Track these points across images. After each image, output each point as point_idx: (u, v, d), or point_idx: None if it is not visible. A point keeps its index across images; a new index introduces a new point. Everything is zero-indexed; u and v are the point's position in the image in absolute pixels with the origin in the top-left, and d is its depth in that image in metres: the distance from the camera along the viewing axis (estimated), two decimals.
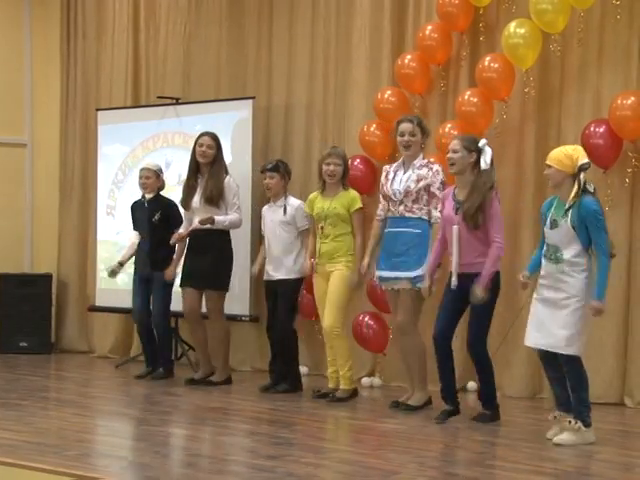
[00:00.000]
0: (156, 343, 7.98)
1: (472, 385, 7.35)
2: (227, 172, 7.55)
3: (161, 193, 8.01)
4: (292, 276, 7.20)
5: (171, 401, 6.91)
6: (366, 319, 7.54)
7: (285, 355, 7.27)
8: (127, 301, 8.48)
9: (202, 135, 7.54)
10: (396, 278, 6.43)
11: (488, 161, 6.03)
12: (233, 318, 7.91)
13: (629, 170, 6.72)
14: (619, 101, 6.62)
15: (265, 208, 7.46)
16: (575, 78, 7.02)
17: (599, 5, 6.85)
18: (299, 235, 7.27)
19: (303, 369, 7.69)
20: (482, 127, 7.14)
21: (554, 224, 5.47)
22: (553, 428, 5.57)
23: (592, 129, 6.70)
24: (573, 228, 5.40)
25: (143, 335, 8.02)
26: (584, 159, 5.46)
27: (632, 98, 6.60)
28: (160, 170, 8.01)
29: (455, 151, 6.07)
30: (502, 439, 5.69)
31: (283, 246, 7.26)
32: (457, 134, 7.02)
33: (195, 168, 7.55)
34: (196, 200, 7.51)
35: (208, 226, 7.37)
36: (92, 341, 9.59)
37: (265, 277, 7.38)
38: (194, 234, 7.52)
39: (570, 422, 5.40)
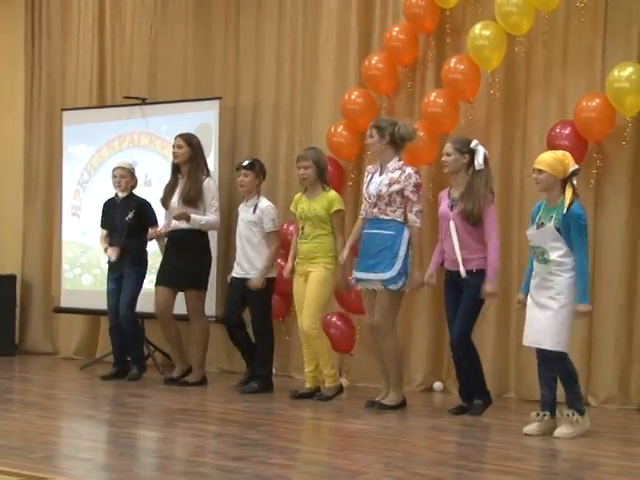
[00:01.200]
0: (126, 344, 7.91)
1: (438, 385, 7.38)
2: (208, 174, 7.62)
3: (133, 192, 7.99)
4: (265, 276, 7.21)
5: (138, 402, 6.86)
6: (333, 319, 7.55)
7: (259, 356, 7.25)
8: (92, 302, 8.43)
9: (175, 137, 7.64)
10: (370, 280, 6.46)
11: (481, 161, 6.22)
12: None
13: (594, 171, 6.79)
14: (584, 103, 6.68)
15: (240, 207, 7.49)
16: (540, 80, 7.07)
17: (563, 7, 6.91)
18: (265, 236, 7.26)
19: None
20: (448, 128, 7.16)
21: (541, 225, 5.63)
22: (531, 424, 5.67)
23: (558, 130, 6.76)
24: (557, 230, 5.55)
25: (115, 335, 7.95)
26: (575, 164, 5.63)
27: (597, 100, 6.66)
28: (133, 169, 8.02)
29: (448, 154, 6.30)
30: (468, 439, 5.71)
31: (250, 246, 7.27)
32: (423, 135, 7.06)
33: (175, 169, 7.66)
34: (175, 200, 7.57)
35: (185, 225, 7.38)
36: (57, 342, 9.52)
37: (233, 273, 7.38)
38: (173, 234, 7.54)
39: (568, 415, 5.60)
